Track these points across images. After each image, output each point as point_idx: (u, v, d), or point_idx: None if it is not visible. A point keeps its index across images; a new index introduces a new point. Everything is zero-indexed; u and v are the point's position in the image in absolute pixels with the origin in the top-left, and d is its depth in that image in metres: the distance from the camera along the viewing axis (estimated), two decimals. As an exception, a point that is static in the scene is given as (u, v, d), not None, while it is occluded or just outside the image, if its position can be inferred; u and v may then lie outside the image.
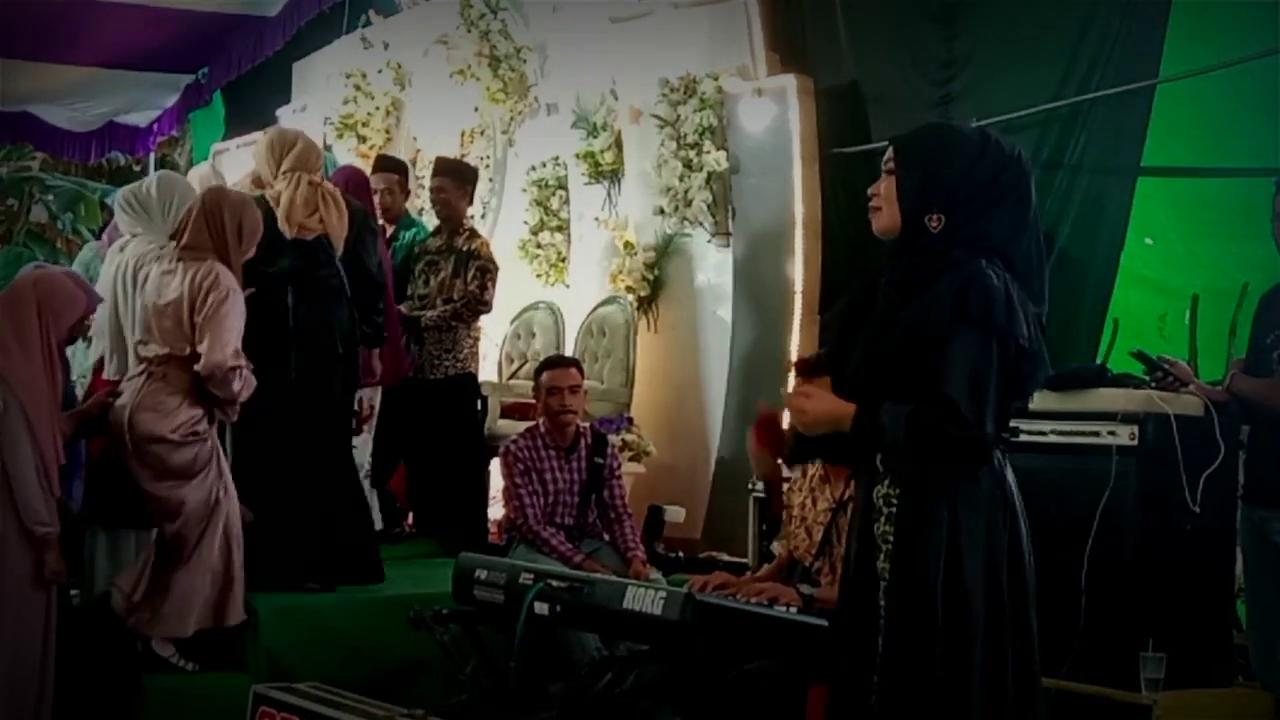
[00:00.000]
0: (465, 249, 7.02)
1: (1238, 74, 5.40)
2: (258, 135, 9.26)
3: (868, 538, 3.15)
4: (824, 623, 3.81)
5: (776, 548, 4.93)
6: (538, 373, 6.14)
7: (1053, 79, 6.14)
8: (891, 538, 3.09)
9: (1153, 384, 4.77)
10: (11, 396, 4.77)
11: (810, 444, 3.36)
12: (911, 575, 3.06)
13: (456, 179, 7.23)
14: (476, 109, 8.79)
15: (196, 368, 5.05)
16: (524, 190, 8.64)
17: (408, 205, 7.84)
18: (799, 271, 7.01)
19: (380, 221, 6.78)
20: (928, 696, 3.02)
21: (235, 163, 8.96)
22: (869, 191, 3.22)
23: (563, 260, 8.50)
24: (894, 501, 3.10)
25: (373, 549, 5.91)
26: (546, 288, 8.47)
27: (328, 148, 9.15)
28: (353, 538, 5.78)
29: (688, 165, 7.38)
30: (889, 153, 3.21)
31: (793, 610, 4.16)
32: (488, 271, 6.98)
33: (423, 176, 9.11)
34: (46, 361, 4.89)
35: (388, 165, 7.59)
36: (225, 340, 5.03)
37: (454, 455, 6.84)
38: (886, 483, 3.11)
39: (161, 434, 5.02)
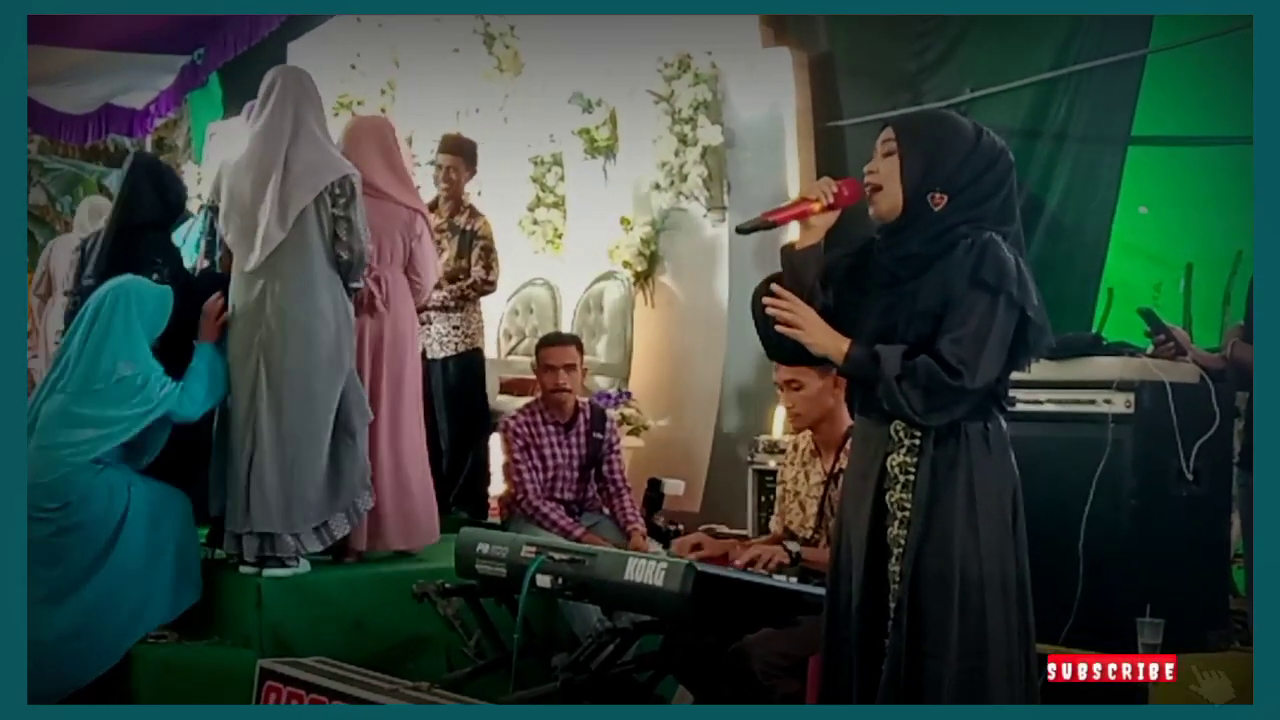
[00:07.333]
0: (468, 228, 7.01)
1: (1230, 41, 5.40)
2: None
3: (880, 506, 3.19)
4: (824, 593, 3.83)
5: (774, 524, 4.94)
6: (537, 349, 6.15)
7: (1033, 49, 6.10)
8: (908, 505, 3.13)
9: (1151, 350, 4.78)
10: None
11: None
12: (930, 543, 3.11)
13: (466, 157, 7.19)
14: (471, 86, 8.78)
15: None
16: (520, 167, 8.64)
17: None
18: (795, 244, 6.99)
19: None
20: (944, 663, 3.07)
21: (232, 141, 8.95)
22: (865, 170, 3.25)
23: (559, 236, 8.51)
24: (910, 470, 3.15)
25: None
26: (543, 261, 8.48)
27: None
28: None
29: (683, 140, 7.38)
30: (886, 134, 3.24)
31: (793, 581, 4.20)
32: (491, 252, 6.98)
33: (417, 155, 9.11)
34: (411, 185, 5.94)
35: None
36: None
37: (459, 430, 6.86)
38: (903, 451, 3.16)
39: None
